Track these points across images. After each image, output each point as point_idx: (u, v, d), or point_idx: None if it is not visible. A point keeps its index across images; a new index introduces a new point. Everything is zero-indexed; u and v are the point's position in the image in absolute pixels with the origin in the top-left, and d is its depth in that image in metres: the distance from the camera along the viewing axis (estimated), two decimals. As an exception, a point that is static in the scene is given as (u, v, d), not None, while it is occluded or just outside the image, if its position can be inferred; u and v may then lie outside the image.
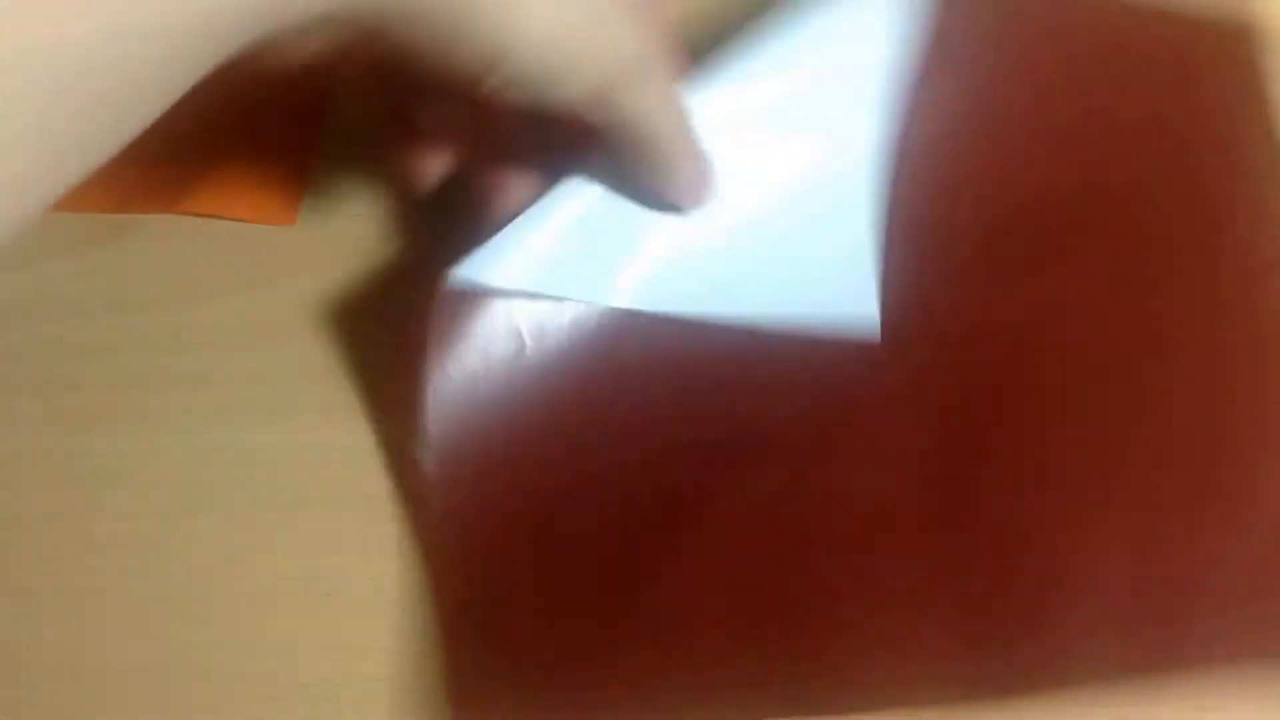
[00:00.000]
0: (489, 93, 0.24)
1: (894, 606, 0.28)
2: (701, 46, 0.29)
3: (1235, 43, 0.33)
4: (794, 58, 0.30)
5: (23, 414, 0.33)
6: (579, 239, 0.29)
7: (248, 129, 0.38)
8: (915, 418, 0.29)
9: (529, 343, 0.29)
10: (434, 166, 0.30)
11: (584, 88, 0.24)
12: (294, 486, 0.32)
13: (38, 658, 0.30)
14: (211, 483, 0.32)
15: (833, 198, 0.30)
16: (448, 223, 0.31)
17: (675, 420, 0.30)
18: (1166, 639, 0.27)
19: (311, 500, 0.31)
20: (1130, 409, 0.29)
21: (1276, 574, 0.27)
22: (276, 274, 0.35)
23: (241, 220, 0.36)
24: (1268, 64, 0.33)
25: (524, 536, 0.29)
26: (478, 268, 0.29)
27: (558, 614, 0.29)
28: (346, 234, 0.36)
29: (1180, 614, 0.27)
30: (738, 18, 0.31)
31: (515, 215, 0.29)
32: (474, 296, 0.29)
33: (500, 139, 0.29)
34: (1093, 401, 0.29)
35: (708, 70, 0.29)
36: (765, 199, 0.30)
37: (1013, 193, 0.32)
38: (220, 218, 0.36)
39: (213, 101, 0.38)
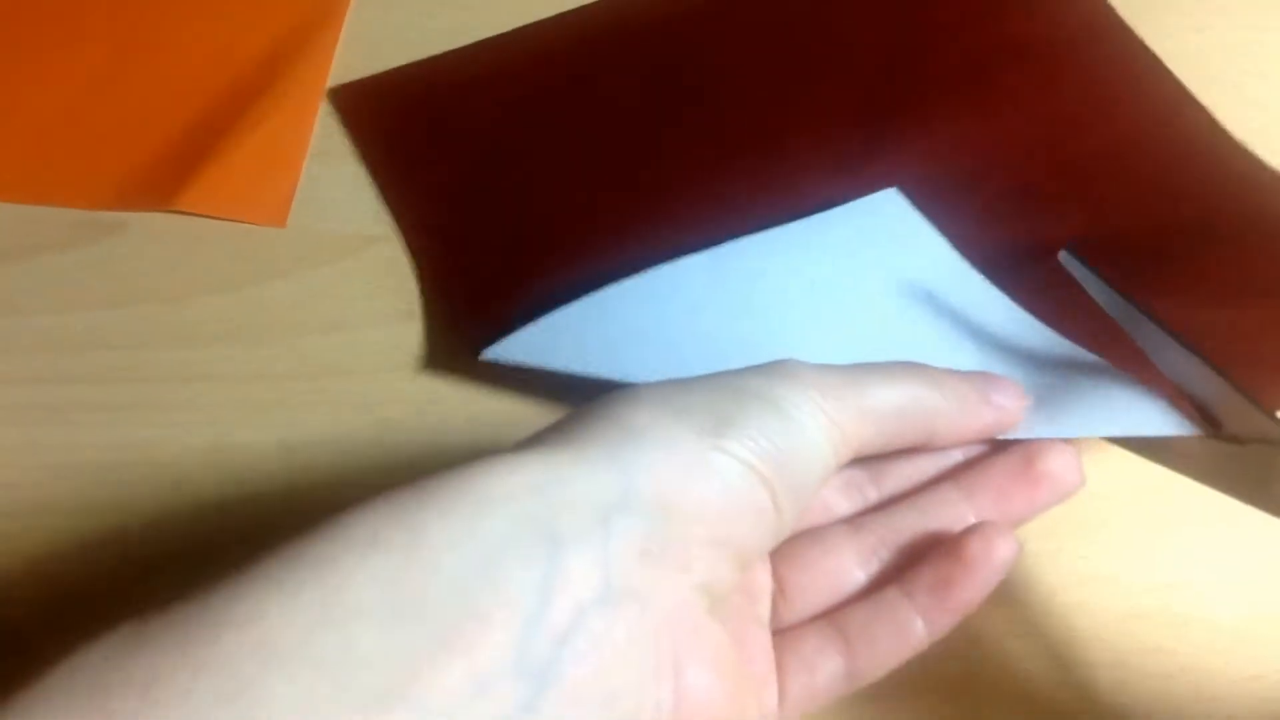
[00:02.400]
0: None
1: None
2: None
3: None
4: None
5: (14, 406, 0.33)
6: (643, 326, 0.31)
7: (241, 131, 0.38)
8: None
9: None
10: None
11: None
12: (282, 483, 0.32)
13: (19, 648, 0.30)
14: (202, 478, 0.32)
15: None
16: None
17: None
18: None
19: (301, 496, 0.32)
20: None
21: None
22: (266, 273, 0.36)
23: (233, 220, 0.37)
24: None
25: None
26: (512, 349, 0.31)
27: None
28: (334, 236, 0.37)
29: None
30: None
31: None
32: None
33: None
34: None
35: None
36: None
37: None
38: (212, 217, 0.37)
39: (206, 104, 0.39)
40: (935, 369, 0.25)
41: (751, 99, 0.39)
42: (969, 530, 0.24)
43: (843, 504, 0.27)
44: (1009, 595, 0.31)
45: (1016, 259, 0.34)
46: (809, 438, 0.23)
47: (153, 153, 0.38)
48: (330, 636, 0.17)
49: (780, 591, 0.25)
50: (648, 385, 0.23)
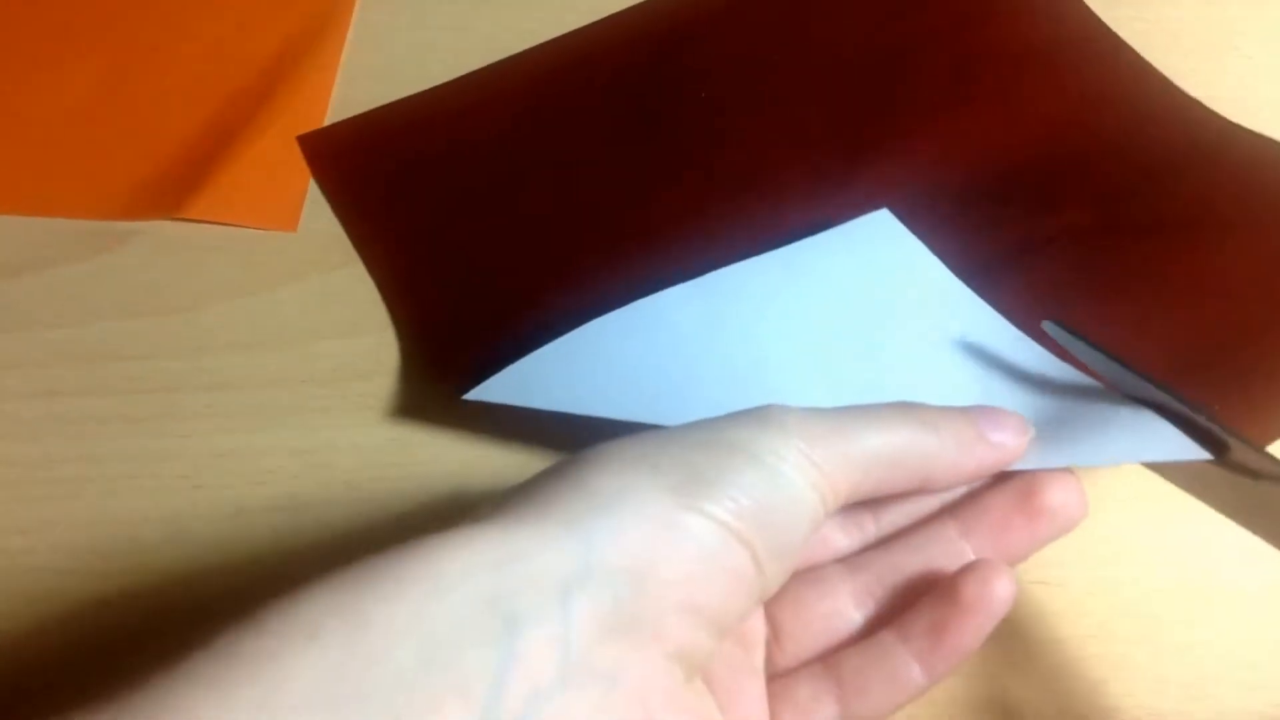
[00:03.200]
0: None
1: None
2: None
3: None
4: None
5: (29, 419, 0.33)
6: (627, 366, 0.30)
7: (249, 137, 0.38)
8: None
9: None
10: None
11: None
12: (300, 488, 0.32)
13: (41, 662, 0.30)
14: (218, 485, 0.32)
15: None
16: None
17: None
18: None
19: (316, 501, 0.32)
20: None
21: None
22: (279, 279, 0.36)
23: (243, 227, 0.37)
24: None
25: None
26: (495, 390, 0.30)
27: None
28: (344, 241, 0.36)
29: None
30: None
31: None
32: None
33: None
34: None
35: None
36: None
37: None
38: (223, 224, 0.37)
39: (214, 110, 0.39)
40: (929, 408, 0.24)
41: (730, 123, 0.38)
42: (965, 570, 0.23)
43: (840, 539, 0.26)
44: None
45: (1007, 263, 0.33)
46: (794, 491, 0.21)
47: (162, 161, 0.38)
48: None
49: (774, 636, 0.24)
50: (618, 442, 0.21)
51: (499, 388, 0.30)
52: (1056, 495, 0.24)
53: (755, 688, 0.24)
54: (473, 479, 0.32)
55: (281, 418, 0.33)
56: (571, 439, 0.31)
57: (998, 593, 0.23)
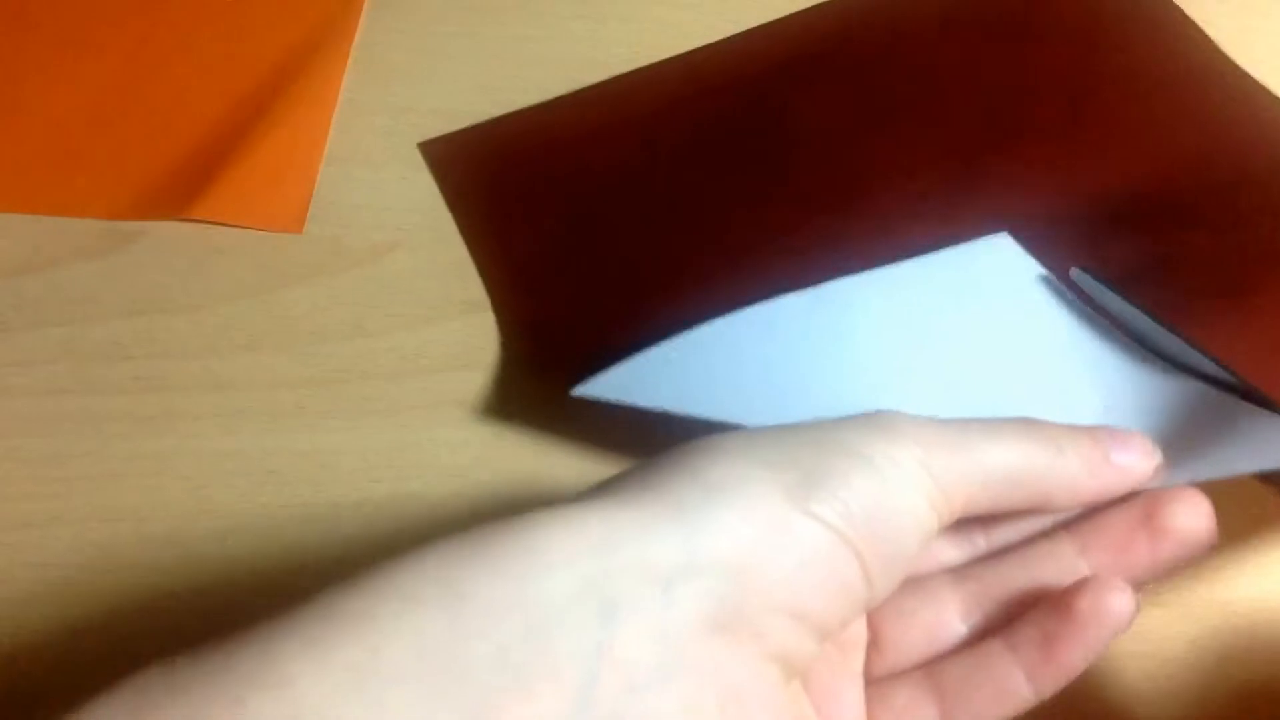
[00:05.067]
0: None
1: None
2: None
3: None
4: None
5: (37, 416, 0.34)
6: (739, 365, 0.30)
7: (256, 139, 0.39)
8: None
9: None
10: None
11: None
12: (305, 488, 0.32)
13: (45, 656, 0.30)
14: (222, 486, 0.32)
15: None
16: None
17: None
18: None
19: (319, 502, 0.32)
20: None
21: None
22: (284, 280, 0.36)
23: (249, 228, 0.37)
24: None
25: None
26: (604, 386, 0.30)
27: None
28: (351, 242, 0.37)
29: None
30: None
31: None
32: None
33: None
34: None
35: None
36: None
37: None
38: (229, 225, 0.37)
39: (222, 112, 0.40)
40: (1054, 426, 0.23)
41: (843, 147, 0.38)
42: (1081, 583, 0.22)
43: (949, 550, 0.25)
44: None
45: (1125, 283, 0.32)
46: (907, 501, 0.21)
47: (170, 162, 0.39)
48: (362, 707, 0.16)
49: (874, 642, 0.24)
50: (732, 434, 0.21)
51: (608, 384, 0.30)
52: (1183, 516, 0.23)
53: (853, 692, 0.23)
54: (468, 485, 0.33)
55: (287, 418, 0.34)
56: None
57: (1114, 607, 0.22)
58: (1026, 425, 0.23)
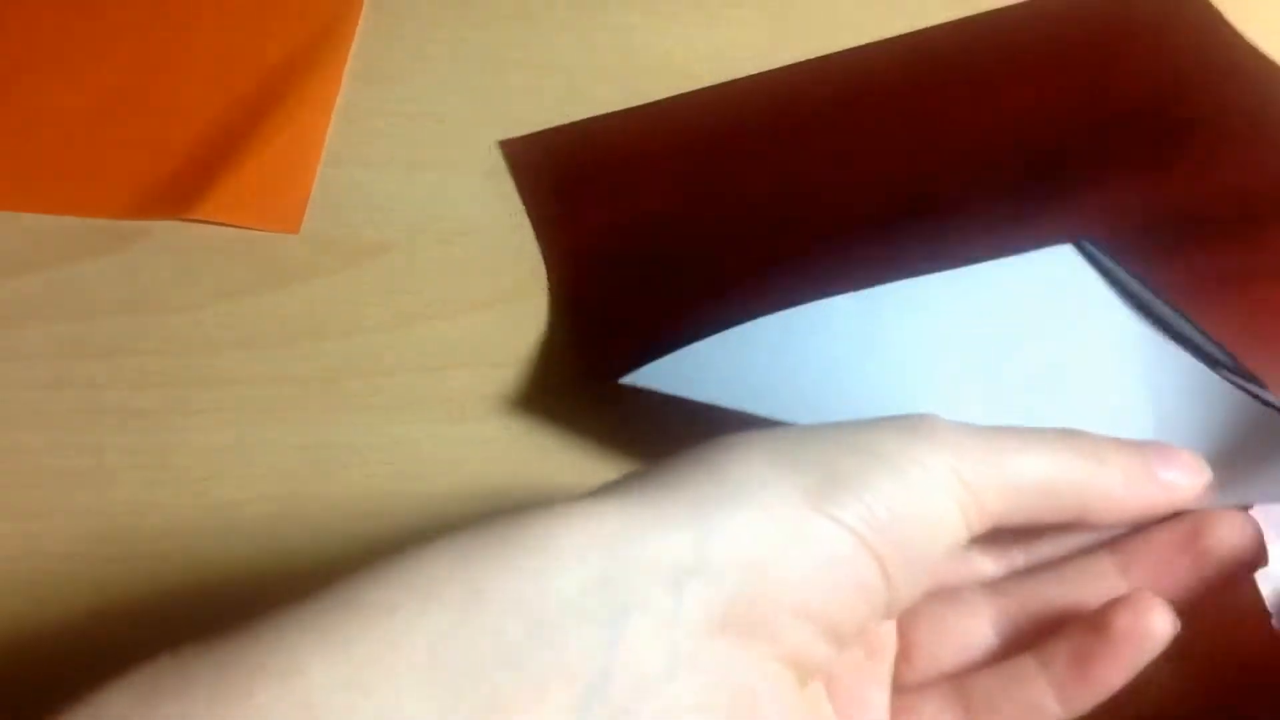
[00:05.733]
0: None
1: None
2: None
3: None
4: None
5: (38, 410, 0.34)
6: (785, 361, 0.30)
7: (256, 140, 0.39)
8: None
9: None
10: None
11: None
12: (303, 483, 0.33)
13: (44, 647, 0.31)
14: (220, 481, 0.33)
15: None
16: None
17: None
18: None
19: (316, 498, 0.33)
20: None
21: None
22: (282, 280, 0.37)
23: (248, 228, 0.38)
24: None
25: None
26: (653, 376, 0.30)
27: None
28: (348, 242, 0.38)
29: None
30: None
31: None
32: None
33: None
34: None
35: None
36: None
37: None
38: (228, 225, 0.38)
39: (222, 113, 0.40)
40: (1097, 438, 0.22)
41: (911, 167, 0.39)
42: (1117, 601, 0.21)
43: (986, 564, 0.24)
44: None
45: (1199, 296, 0.33)
46: (935, 506, 0.20)
47: (171, 162, 0.39)
48: (376, 703, 0.16)
49: (905, 650, 0.23)
50: (757, 433, 0.21)
51: (657, 374, 0.30)
52: (1228, 536, 0.22)
53: (879, 698, 0.23)
54: (466, 481, 0.33)
55: (286, 414, 0.34)
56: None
57: (1152, 626, 0.21)
58: (1067, 435, 0.22)
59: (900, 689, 0.23)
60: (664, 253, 0.37)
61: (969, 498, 0.20)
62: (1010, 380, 0.29)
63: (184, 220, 0.38)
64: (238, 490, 0.33)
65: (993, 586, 0.24)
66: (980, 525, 0.21)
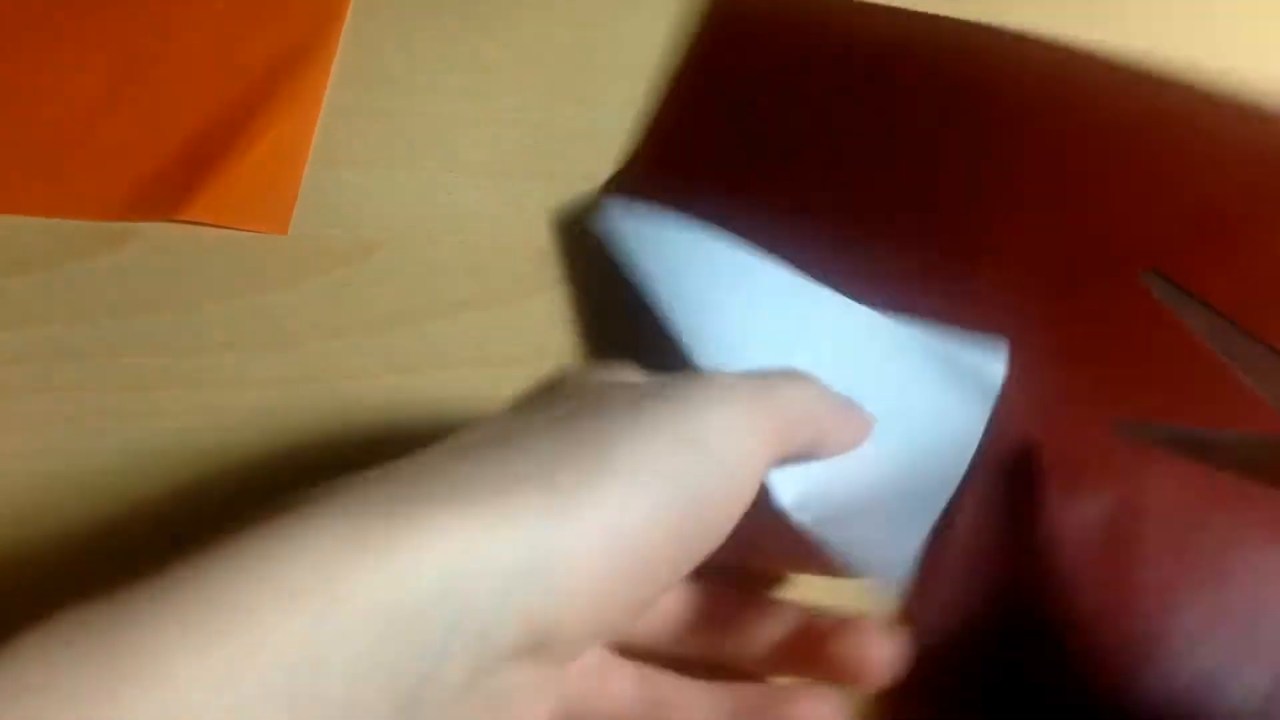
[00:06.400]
0: None
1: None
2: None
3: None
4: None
5: (28, 412, 0.34)
6: None
7: (244, 141, 0.39)
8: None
9: None
10: None
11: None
12: (289, 487, 0.33)
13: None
14: (209, 485, 0.33)
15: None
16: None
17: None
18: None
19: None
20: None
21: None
22: (270, 281, 0.37)
23: (236, 229, 0.38)
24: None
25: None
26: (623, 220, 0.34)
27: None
28: (337, 242, 0.38)
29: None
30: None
31: None
32: None
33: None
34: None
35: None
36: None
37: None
38: (216, 226, 0.38)
39: (210, 114, 0.40)
40: (820, 380, 0.26)
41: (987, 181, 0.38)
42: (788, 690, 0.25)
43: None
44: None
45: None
46: (735, 471, 0.22)
47: (159, 164, 0.39)
48: (238, 708, 0.16)
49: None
50: (586, 419, 0.22)
51: (626, 226, 0.33)
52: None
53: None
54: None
55: (274, 417, 0.34)
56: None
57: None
58: (803, 374, 0.25)
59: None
60: (768, 143, 0.38)
61: (763, 443, 0.23)
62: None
63: (172, 222, 0.38)
64: (226, 494, 0.33)
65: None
66: (769, 460, 0.23)
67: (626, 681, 0.26)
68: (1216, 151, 0.38)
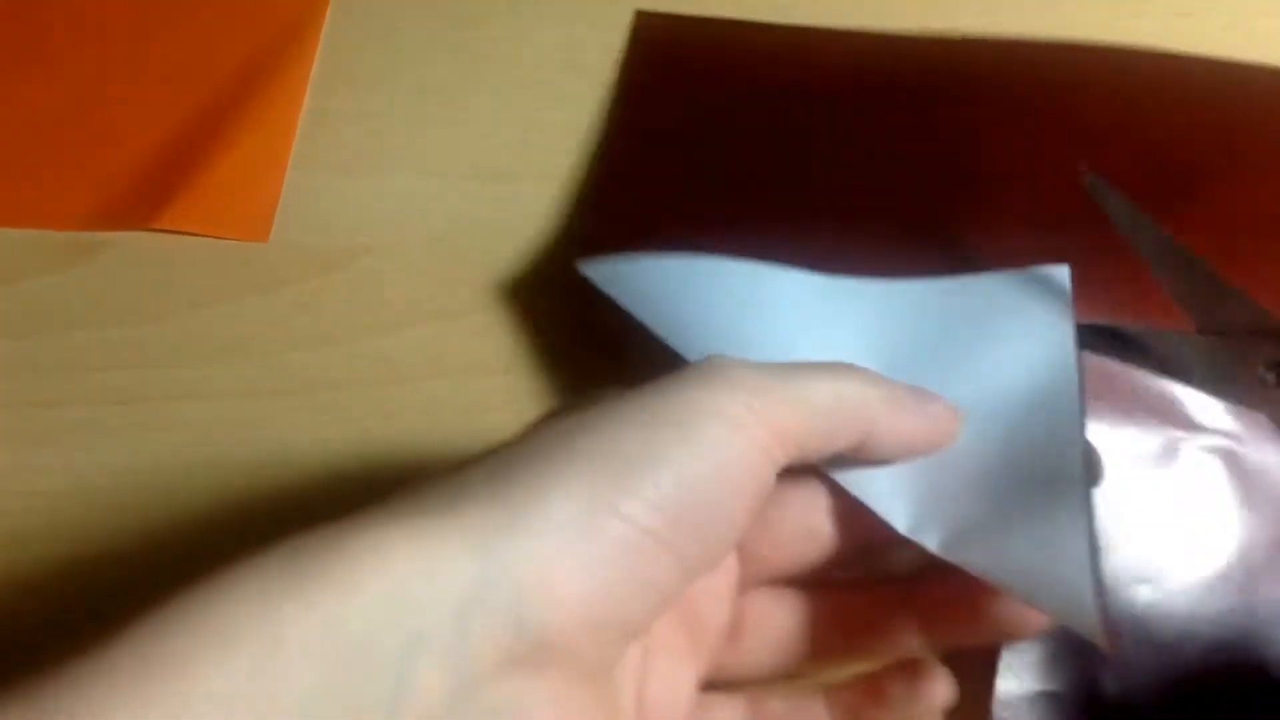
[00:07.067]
0: None
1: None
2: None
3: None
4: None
5: (1, 428, 0.34)
6: None
7: (220, 147, 0.38)
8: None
9: None
10: None
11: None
12: (272, 498, 0.32)
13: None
14: (191, 497, 0.32)
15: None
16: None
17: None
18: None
19: (291, 512, 0.32)
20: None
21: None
22: (250, 289, 0.36)
23: (215, 237, 0.37)
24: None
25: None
26: (605, 273, 0.31)
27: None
28: (318, 249, 0.37)
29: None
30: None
31: None
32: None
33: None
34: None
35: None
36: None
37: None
38: (194, 234, 0.37)
39: (185, 120, 0.39)
40: (872, 371, 0.24)
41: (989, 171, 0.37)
42: (898, 666, 0.23)
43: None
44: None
45: None
46: (734, 456, 0.20)
47: (133, 172, 0.38)
48: None
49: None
50: (554, 421, 0.21)
51: (609, 272, 0.30)
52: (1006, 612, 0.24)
53: (684, 682, 0.23)
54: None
55: (253, 429, 0.33)
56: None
57: (929, 694, 0.23)
58: (847, 365, 0.23)
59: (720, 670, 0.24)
60: (725, 174, 0.37)
61: (768, 432, 0.21)
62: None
63: (149, 231, 0.37)
64: (205, 507, 0.32)
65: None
66: (785, 456, 0.21)
67: (730, 713, 0.24)
68: (1174, 106, 0.38)
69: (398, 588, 0.17)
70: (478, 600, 0.18)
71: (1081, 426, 0.26)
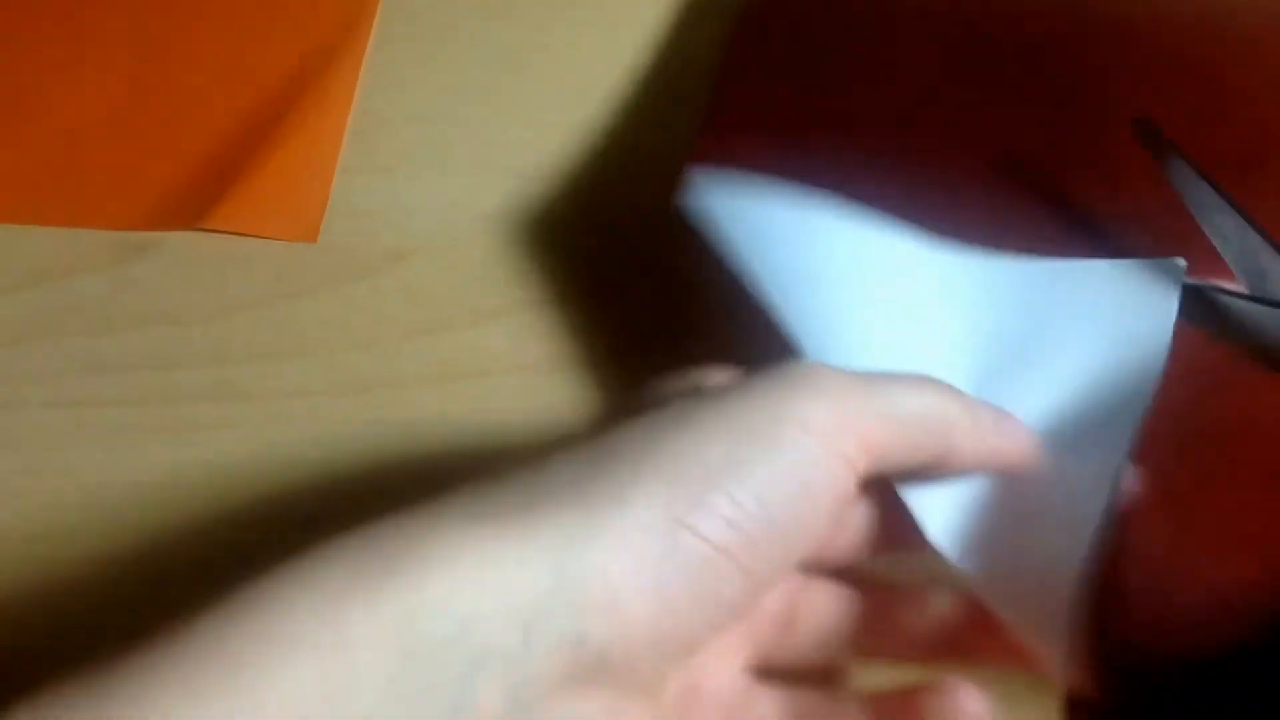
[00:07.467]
0: None
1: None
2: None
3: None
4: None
5: (51, 427, 0.33)
6: None
7: (270, 148, 0.38)
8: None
9: None
10: None
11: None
12: (320, 499, 0.32)
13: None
14: (239, 497, 0.32)
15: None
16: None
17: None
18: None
19: (338, 512, 0.32)
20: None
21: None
22: (299, 290, 0.36)
23: (264, 237, 0.37)
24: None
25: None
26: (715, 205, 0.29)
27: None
28: (366, 250, 0.37)
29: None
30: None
31: None
32: None
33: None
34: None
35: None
36: None
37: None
38: (243, 235, 0.37)
39: (236, 121, 0.39)
40: (954, 386, 0.23)
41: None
42: (929, 687, 0.22)
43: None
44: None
45: None
46: (816, 466, 0.20)
47: (184, 172, 0.38)
48: None
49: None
50: (634, 426, 0.20)
51: (723, 198, 0.29)
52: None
53: (728, 686, 0.23)
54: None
55: (302, 428, 0.33)
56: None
57: (964, 712, 0.22)
58: (931, 378, 0.23)
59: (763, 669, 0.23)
60: (839, 110, 0.36)
61: (854, 443, 0.20)
62: (1028, 375, 0.27)
63: (198, 231, 0.37)
64: (254, 506, 0.32)
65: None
66: (864, 464, 0.21)
67: (772, 704, 0.24)
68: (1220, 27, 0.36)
69: (467, 600, 0.17)
70: (543, 614, 0.17)
71: (1126, 454, 0.24)
